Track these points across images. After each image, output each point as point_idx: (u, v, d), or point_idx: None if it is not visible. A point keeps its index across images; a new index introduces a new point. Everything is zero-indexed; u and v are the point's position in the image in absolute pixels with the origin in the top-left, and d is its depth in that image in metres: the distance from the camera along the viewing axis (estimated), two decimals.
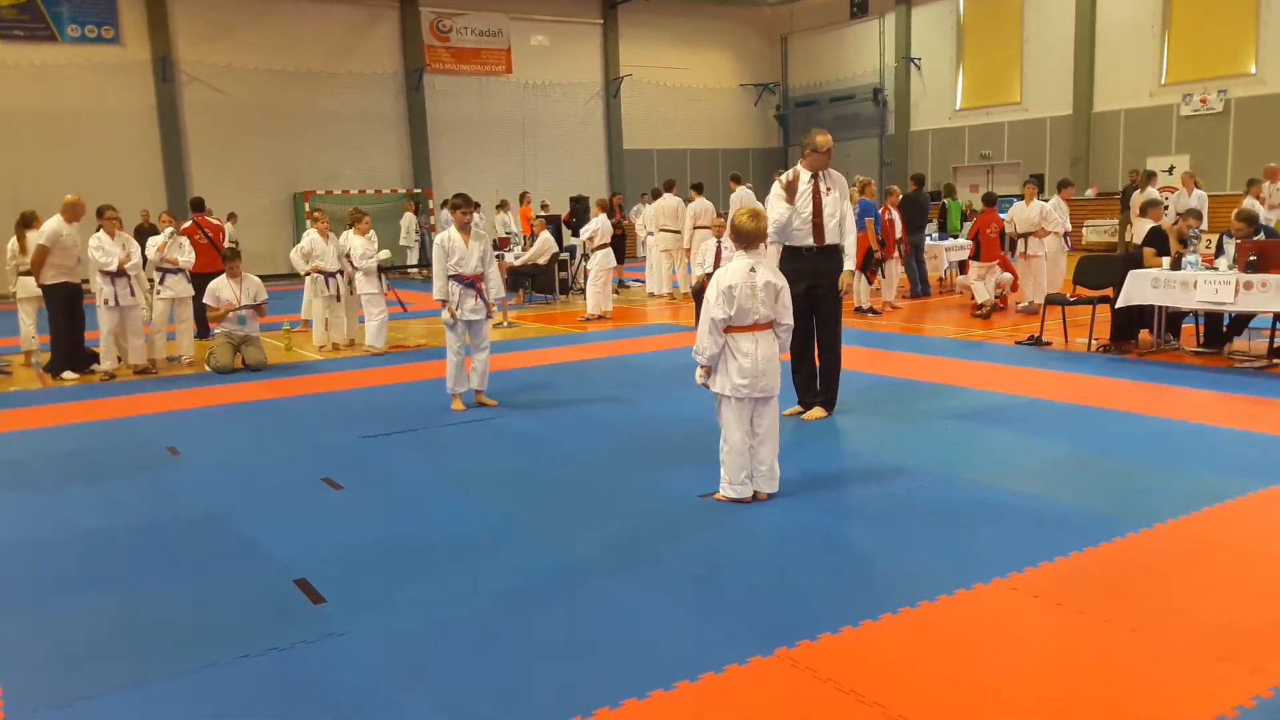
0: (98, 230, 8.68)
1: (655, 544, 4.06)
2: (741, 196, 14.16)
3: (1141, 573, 3.56)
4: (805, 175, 6.01)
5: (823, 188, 6.01)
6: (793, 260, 5.98)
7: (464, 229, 6.73)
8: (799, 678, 2.85)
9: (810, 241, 5.99)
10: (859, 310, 11.55)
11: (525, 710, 2.74)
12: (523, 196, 19.64)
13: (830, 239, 6.00)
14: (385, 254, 10.12)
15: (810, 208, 5.97)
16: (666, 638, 3.16)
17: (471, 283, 6.71)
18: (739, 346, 4.40)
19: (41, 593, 3.80)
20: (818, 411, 6.20)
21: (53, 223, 8.63)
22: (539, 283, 14.42)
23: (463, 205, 6.71)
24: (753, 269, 4.39)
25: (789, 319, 4.54)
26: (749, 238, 4.47)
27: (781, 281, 4.51)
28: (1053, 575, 3.54)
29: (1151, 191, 12.40)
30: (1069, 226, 11.58)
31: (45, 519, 4.74)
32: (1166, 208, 8.70)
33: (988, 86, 22.83)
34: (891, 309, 11.84)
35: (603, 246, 12.31)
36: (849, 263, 6.08)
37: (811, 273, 5.99)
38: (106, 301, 8.60)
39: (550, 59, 24.26)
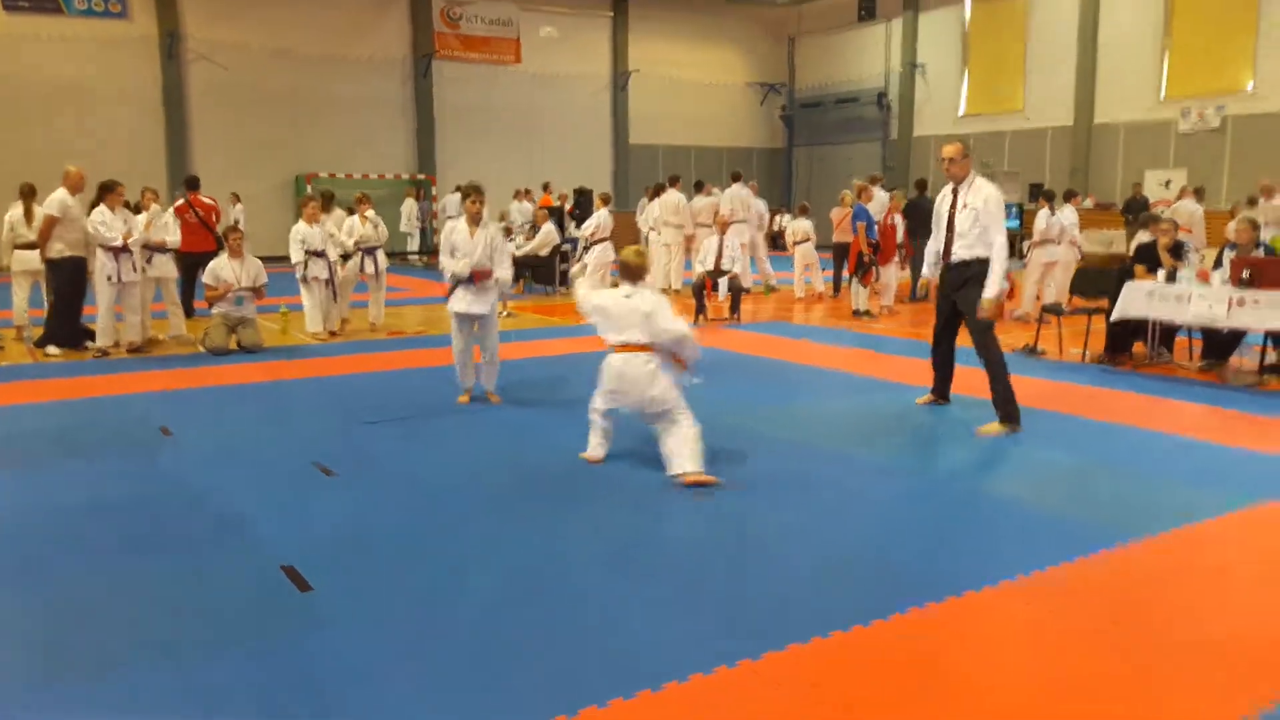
0: (96, 204, 8.66)
1: (648, 541, 4.06)
2: (733, 194, 14.16)
3: (1134, 584, 3.58)
4: (947, 189, 5.91)
5: (960, 202, 5.82)
6: (941, 271, 6.06)
7: (473, 220, 6.48)
8: (788, 681, 2.86)
9: (943, 257, 5.94)
10: (856, 313, 11.57)
11: (512, 705, 2.74)
12: (546, 186, 19.64)
13: (960, 255, 5.82)
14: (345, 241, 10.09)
15: (944, 223, 5.91)
16: (656, 637, 3.16)
17: (472, 277, 6.43)
18: (609, 360, 5.03)
19: (24, 571, 3.78)
20: (992, 426, 5.80)
21: (59, 194, 8.60)
22: (539, 274, 14.40)
23: (473, 194, 6.47)
24: (629, 295, 4.99)
25: (676, 338, 4.93)
26: (634, 272, 5.07)
27: (652, 304, 4.92)
28: (1045, 584, 3.56)
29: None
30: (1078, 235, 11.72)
31: (32, 496, 4.72)
32: (1165, 224, 8.69)
33: (991, 94, 22.84)
34: (889, 313, 11.85)
35: (602, 240, 12.30)
36: (989, 288, 5.71)
37: (950, 287, 5.98)
38: (110, 277, 8.56)
39: (559, 50, 24.20)
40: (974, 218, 5.75)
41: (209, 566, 3.79)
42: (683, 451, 4.79)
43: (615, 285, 5.14)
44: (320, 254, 9.70)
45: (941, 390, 6.50)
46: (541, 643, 3.12)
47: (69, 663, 3.01)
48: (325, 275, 9.81)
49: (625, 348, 4.96)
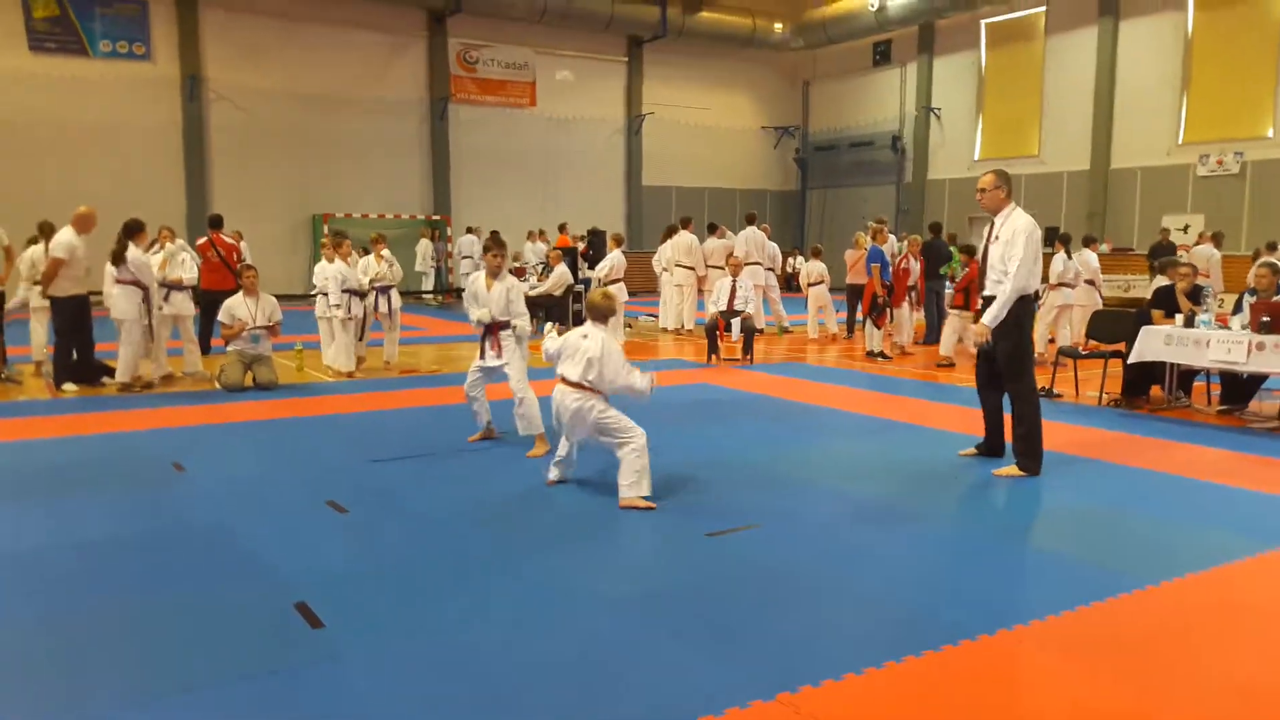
0: (124, 245, 8.74)
1: (658, 580, 4.02)
2: (748, 236, 14.25)
3: (1150, 630, 3.51)
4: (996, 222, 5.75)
5: (994, 234, 5.68)
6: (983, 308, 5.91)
7: (493, 274, 6.43)
8: None
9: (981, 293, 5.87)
10: (869, 354, 11.55)
11: None
12: (562, 227, 19.84)
13: (991, 289, 5.64)
14: (362, 278, 10.16)
15: (981, 257, 5.86)
16: (666, 676, 3.12)
17: (488, 330, 6.42)
18: (556, 389, 5.22)
19: (41, 604, 3.78)
20: (1011, 469, 5.73)
21: (67, 235, 8.68)
22: (553, 314, 14.45)
23: (494, 249, 6.44)
24: (585, 335, 5.17)
25: (615, 386, 5.10)
26: (597, 313, 5.25)
27: (599, 351, 5.05)
28: (1060, 629, 3.49)
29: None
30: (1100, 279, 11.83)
31: (47, 530, 4.73)
32: (1183, 269, 8.68)
33: (1006, 138, 22.98)
34: (903, 354, 11.83)
35: (615, 281, 12.36)
36: (987, 314, 5.62)
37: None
38: (139, 316, 8.76)
39: (574, 94, 24.55)
40: (1003, 251, 5.57)
41: (222, 602, 3.78)
42: (623, 478, 5.03)
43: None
44: (356, 292, 9.86)
45: (991, 442, 6.14)
46: (553, 681, 3.08)
47: (85, 695, 2.99)
48: (360, 313, 10.02)
49: (564, 380, 5.16)
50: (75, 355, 8.97)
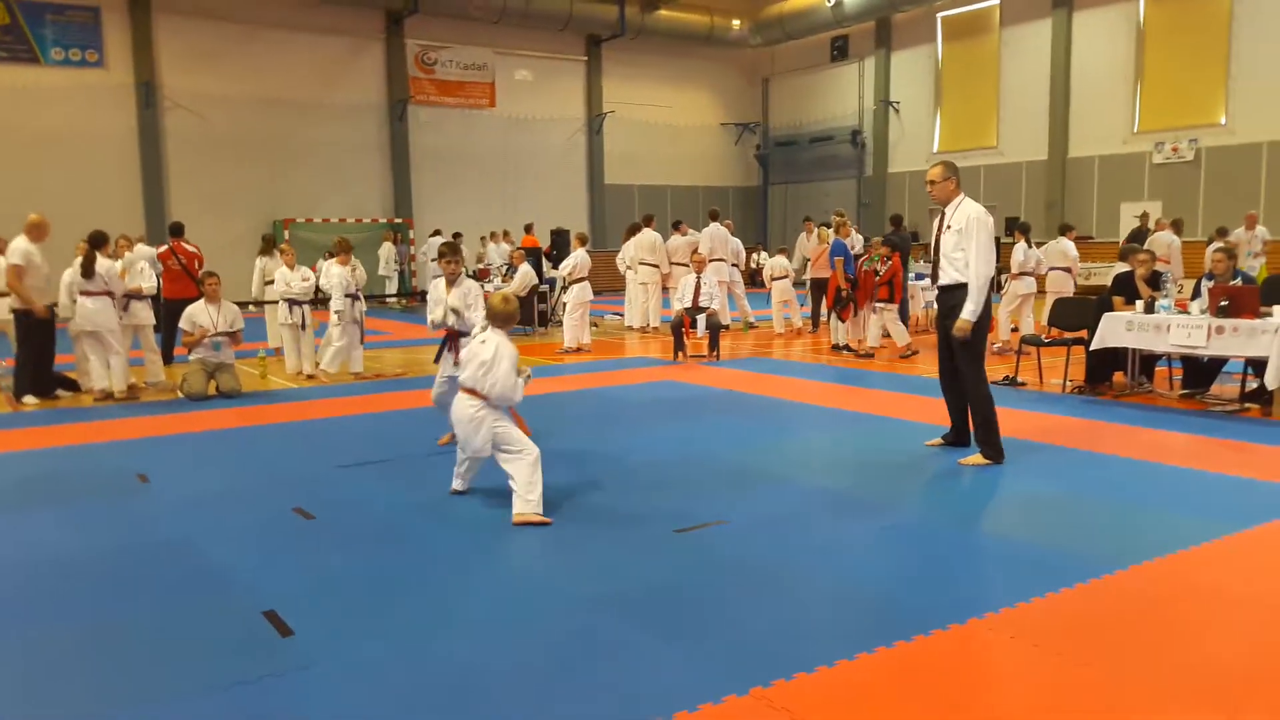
0: (92, 256, 8.59)
1: (629, 577, 4.01)
2: (711, 233, 14.29)
3: (1118, 615, 3.56)
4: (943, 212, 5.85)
5: (945, 224, 5.77)
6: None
7: (450, 281, 6.40)
8: (774, 718, 2.81)
9: (933, 282, 5.96)
10: (835, 348, 11.63)
11: None
12: (528, 228, 19.74)
13: (946, 279, 5.75)
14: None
15: (934, 246, 5.88)
16: (640, 673, 3.11)
17: (450, 339, 6.37)
18: (456, 399, 5.04)
19: (3, 619, 3.69)
20: (974, 457, 5.82)
21: (21, 243, 8.50)
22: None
23: (448, 255, 6.40)
24: (483, 341, 4.96)
25: (494, 393, 4.85)
26: (496, 318, 5.02)
27: (491, 355, 4.86)
28: (1029, 616, 3.54)
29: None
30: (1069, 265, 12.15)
31: (8, 543, 4.63)
32: (1142, 255, 8.83)
33: (965, 131, 23.27)
34: (873, 353, 11.89)
35: (580, 280, 12.34)
36: (965, 309, 5.63)
37: (940, 313, 5.96)
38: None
39: (534, 94, 24.47)
40: (957, 240, 5.64)
41: (190, 612, 3.72)
42: (517, 493, 4.80)
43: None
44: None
45: (958, 433, 6.17)
46: (527, 682, 3.06)
47: (47, 711, 2.93)
48: (298, 318, 9.93)
49: (463, 388, 4.97)
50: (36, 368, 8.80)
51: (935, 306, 6.29)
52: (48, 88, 18.62)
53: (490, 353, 4.89)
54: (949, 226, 5.68)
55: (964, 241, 5.59)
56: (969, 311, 5.61)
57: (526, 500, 4.78)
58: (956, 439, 6.18)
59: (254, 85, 20.63)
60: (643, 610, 3.66)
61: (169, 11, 19.66)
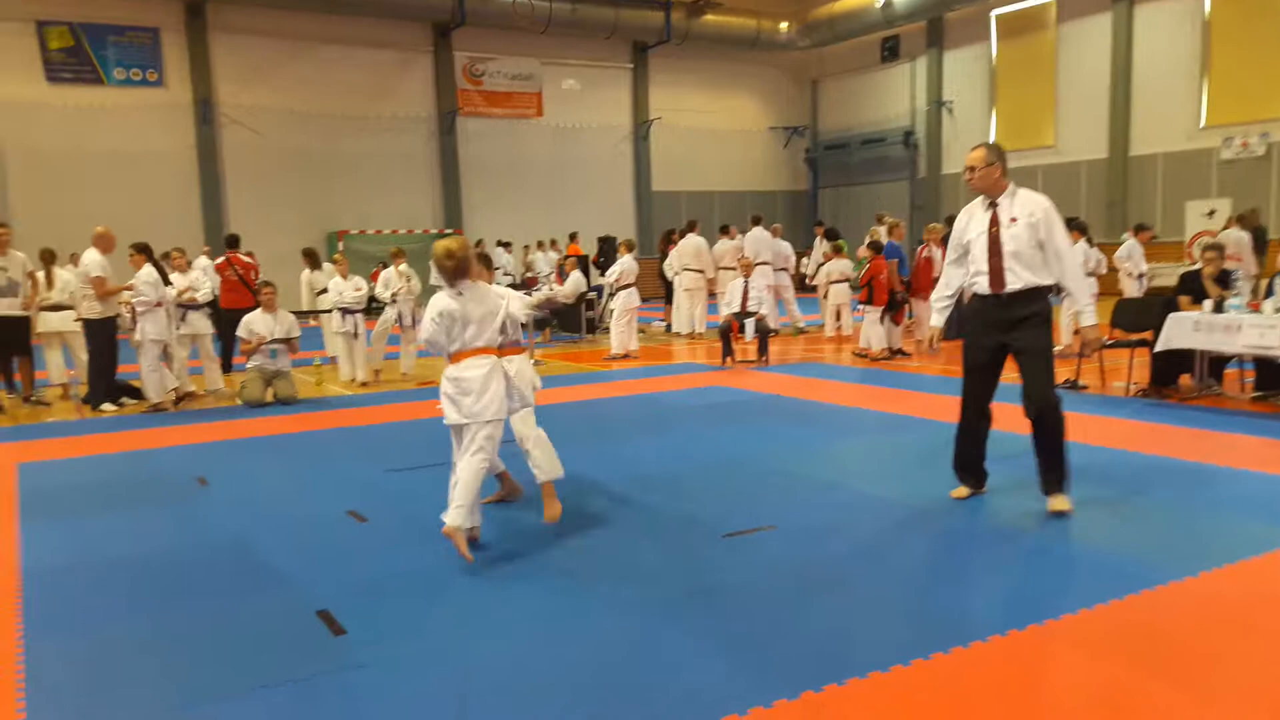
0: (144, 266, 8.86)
1: (681, 581, 3.98)
2: (754, 237, 14.23)
3: (1185, 623, 3.43)
4: (977, 205, 4.84)
5: (1004, 217, 4.70)
6: (978, 309, 4.86)
7: None
8: None
9: (987, 288, 4.73)
10: (890, 352, 11.45)
11: None
12: (573, 236, 19.85)
13: (1018, 283, 4.63)
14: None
15: (985, 246, 4.71)
16: (689, 677, 3.07)
17: None
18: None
19: (69, 619, 3.81)
20: (1062, 501, 4.72)
21: (95, 255, 8.77)
22: (566, 321, 14.46)
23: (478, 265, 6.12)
24: (460, 294, 4.41)
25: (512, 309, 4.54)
26: (448, 273, 4.42)
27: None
28: (1093, 622, 3.42)
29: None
30: (1144, 269, 11.94)
31: (76, 546, 4.77)
32: (1209, 253, 8.51)
33: (1021, 130, 22.79)
34: (930, 351, 11.70)
35: (627, 286, 12.35)
36: (1086, 314, 4.77)
37: (998, 327, 4.74)
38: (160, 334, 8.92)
39: (581, 102, 24.60)
40: (1029, 233, 4.62)
41: (246, 611, 3.79)
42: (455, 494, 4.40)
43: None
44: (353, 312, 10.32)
45: (978, 477, 5.14)
46: (578, 684, 3.04)
47: (110, 707, 3.00)
48: (351, 327, 10.41)
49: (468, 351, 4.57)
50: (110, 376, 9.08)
51: (947, 317, 5.07)
52: (111, 107, 19.24)
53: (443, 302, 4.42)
54: (1013, 219, 4.66)
55: (1040, 234, 4.63)
56: (1090, 314, 4.76)
57: (460, 511, 4.25)
58: (979, 483, 5.15)
59: (306, 100, 21.08)
60: (691, 614, 3.62)
61: (224, 30, 20.19)
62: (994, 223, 4.71)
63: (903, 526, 4.69)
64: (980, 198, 4.83)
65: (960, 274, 4.94)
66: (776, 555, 4.28)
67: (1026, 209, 4.68)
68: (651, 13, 23.68)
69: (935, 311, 5.11)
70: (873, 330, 11.21)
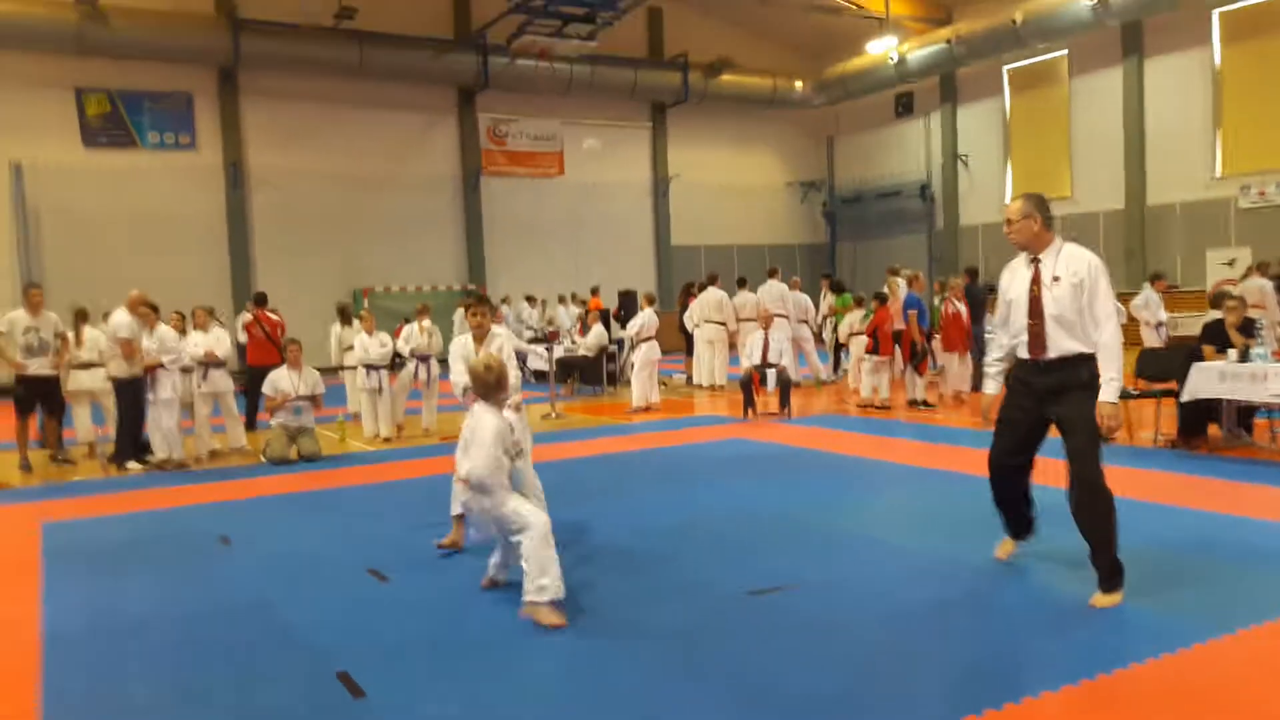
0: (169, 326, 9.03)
1: (706, 641, 3.92)
2: (768, 290, 14.33)
3: (1223, 683, 3.33)
4: (1020, 262, 4.45)
5: (1046, 275, 4.29)
6: (1018, 373, 4.46)
7: (478, 338, 5.61)
8: None
9: (1026, 352, 4.34)
10: (912, 403, 11.38)
11: None
12: (594, 290, 20.05)
13: (1061, 349, 4.22)
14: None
15: (1025, 306, 4.32)
16: None
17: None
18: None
19: (89, 682, 3.79)
20: (1112, 597, 4.17)
21: (124, 316, 8.93)
22: (587, 374, 14.51)
23: (473, 306, 5.69)
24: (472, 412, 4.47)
25: (472, 476, 4.31)
26: (483, 387, 4.45)
27: (469, 434, 4.44)
28: (1126, 684, 3.33)
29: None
30: (1163, 318, 12.01)
31: (98, 607, 4.77)
32: (1232, 302, 8.45)
33: (1037, 181, 22.81)
34: (959, 402, 11.63)
35: (648, 339, 12.39)
36: (1107, 390, 4.13)
37: (1038, 393, 4.34)
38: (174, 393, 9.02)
39: (602, 160, 24.98)
40: (1072, 295, 4.19)
41: (266, 673, 3.77)
42: (526, 575, 4.20)
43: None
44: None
45: (1022, 529, 4.88)
46: None
47: None
48: (375, 383, 10.48)
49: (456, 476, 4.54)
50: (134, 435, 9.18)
51: (991, 379, 4.68)
52: (145, 170, 19.73)
53: (468, 431, 4.38)
54: (1056, 278, 4.23)
55: (1083, 296, 4.19)
56: (1112, 390, 4.13)
57: (537, 587, 4.12)
58: (1019, 530, 4.91)
59: (334, 161, 21.53)
60: (715, 675, 3.56)
61: (255, 94, 20.74)
62: (1035, 281, 4.31)
63: (929, 582, 4.61)
64: (1023, 254, 4.43)
65: (1009, 335, 4.50)
66: (802, 613, 4.22)
67: (1070, 267, 4.25)
68: (669, 74, 24.15)
69: (989, 378, 4.70)
70: (868, 379, 11.27)
